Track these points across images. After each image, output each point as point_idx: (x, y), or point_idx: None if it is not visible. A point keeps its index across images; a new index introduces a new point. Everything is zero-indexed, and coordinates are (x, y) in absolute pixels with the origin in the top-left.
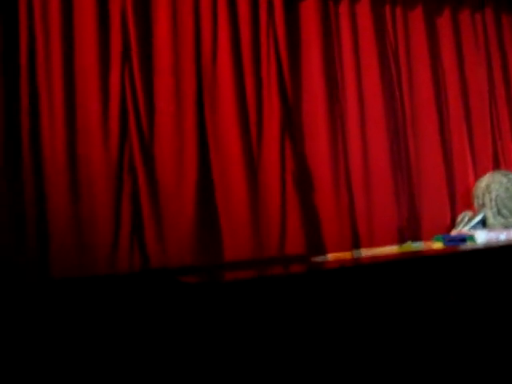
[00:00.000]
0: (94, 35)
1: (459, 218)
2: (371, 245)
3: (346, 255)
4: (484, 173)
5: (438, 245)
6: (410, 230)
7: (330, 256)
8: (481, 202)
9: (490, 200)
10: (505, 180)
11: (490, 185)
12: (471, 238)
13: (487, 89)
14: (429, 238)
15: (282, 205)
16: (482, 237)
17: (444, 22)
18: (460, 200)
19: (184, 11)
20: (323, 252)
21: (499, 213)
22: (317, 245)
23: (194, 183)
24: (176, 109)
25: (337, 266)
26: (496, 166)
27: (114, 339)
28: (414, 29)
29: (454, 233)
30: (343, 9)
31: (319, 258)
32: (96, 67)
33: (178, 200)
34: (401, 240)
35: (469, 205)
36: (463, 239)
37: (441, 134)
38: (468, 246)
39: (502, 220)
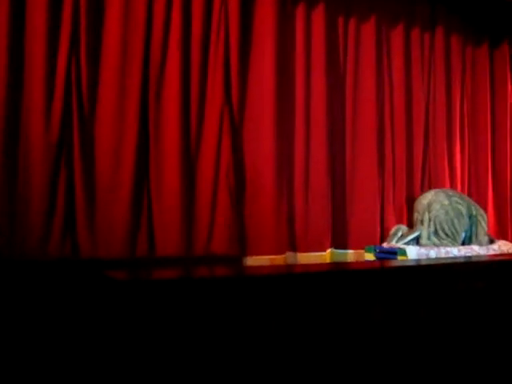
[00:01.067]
0: (45, 19)
1: (392, 231)
2: (305, 249)
3: (278, 258)
4: (418, 188)
5: (369, 255)
6: (342, 237)
7: (259, 258)
8: (420, 217)
9: (429, 219)
10: (446, 202)
11: (432, 204)
12: (403, 252)
13: (426, 106)
14: (360, 247)
15: (213, 203)
16: (413, 253)
17: (396, 37)
18: (393, 213)
19: (137, 2)
20: (257, 253)
21: (435, 233)
22: (251, 246)
23: (130, 175)
24: (119, 100)
25: (265, 273)
26: (429, 181)
27: (27, 329)
28: (365, 41)
29: (385, 245)
30: (299, 12)
31: (251, 261)
32: (43, 52)
33: (113, 191)
34: (333, 246)
35: (401, 219)
36: (394, 252)
37: (379, 145)
38: (398, 261)
39: (436, 241)
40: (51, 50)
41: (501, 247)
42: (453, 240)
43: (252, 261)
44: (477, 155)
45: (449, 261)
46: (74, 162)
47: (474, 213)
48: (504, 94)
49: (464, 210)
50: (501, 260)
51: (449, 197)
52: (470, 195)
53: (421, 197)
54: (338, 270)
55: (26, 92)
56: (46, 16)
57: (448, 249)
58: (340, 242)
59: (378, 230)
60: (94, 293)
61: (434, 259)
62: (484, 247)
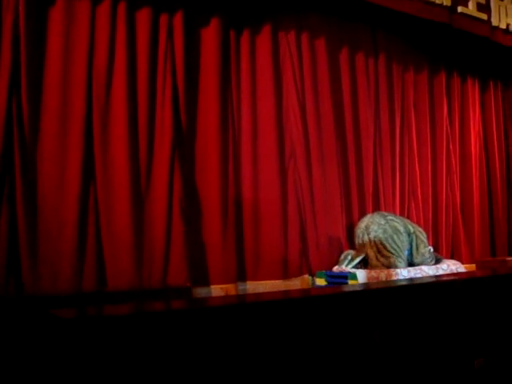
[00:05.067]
0: None
1: (342, 256)
2: (256, 278)
3: (229, 287)
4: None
5: (320, 280)
6: (301, 263)
7: (214, 288)
8: (361, 241)
9: (369, 241)
10: (383, 221)
11: (370, 226)
12: (353, 275)
13: (373, 129)
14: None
15: (167, 232)
16: (362, 275)
17: (343, 59)
18: (349, 237)
19: (79, 29)
20: (207, 283)
21: (379, 253)
22: (201, 275)
23: (76, 207)
24: (62, 130)
25: (215, 305)
26: (377, 204)
27: None
28: (321, 65)
29: (336, 269)
30: (244, 38)
31: (201, 291)
32: None
33: (58, 224)
34: (292, 274)
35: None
36: (345, 276)
37: (342, 167)
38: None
39: (383, 259)
40: None
41: (450, 266)
42: (397, 256)
43: (207, 290)
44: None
45: (398, 283)
46: (15, 196)
47: (412, 230)
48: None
49: (401, 228)
50: (448, 280)
51: (384, 216)
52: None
53: (359, 221)
54: (287, 298)
55: None
56: None
57: (398, 270)
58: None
59: (336, 254)
60: (39, 333)
61: (382, 282)
62: (433, 267)
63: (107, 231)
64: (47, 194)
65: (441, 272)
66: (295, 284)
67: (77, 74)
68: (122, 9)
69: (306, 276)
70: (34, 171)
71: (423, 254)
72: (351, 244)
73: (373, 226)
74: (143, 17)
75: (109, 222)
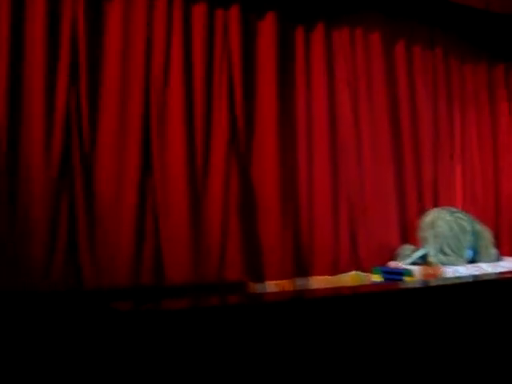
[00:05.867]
0: (43, 53)
1: (399, 252)
2: (310, 273)
3: (285, 283)
4: (428, 207)
5: (376, 277)
6: (351, 259)
7: (272, 284)
8: (424, 235)
9: (434, 236)
10: (450, 218)
11: (436, 221)
12: (408, 272)
13: (432, 124)
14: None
15: (224, 227)
16: (419, 272)
17: (399, 53)
18: (402, 232)
19: (136, 25)
20: (263, 279)
21: (441, 250)
22: (257, 271)
23: (134, 200)
24: (120, 124)
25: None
26: (435, 200)
27: (30, 363)
28: (375, 58)
29: (392, 265)
30: (298, 35)
31: (257, 286)
32: (42, 87)
33: (116, 219)
34: (341, 270)
35: (409, 238)
36: (400, 273)
37: (396, 163)
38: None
39: (443, 258)
40: (50, 85)
41: (510, 263)
42: (458, 256)
43: (263, 286)
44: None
45: (457, 281)
46: (75, 193)
47: (478, 228)
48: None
49: (468, 226)
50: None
51: (452, 213)
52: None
53: (424, 216)
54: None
55: (25, 127)
56: (44, 50)
57: (455, 267)
58: (350, 265)
59: (391, 250)
60: (99, 326)
61: (441, 279)
62: (492, 264)
63: (164, 225)
64: (106, 190)
65: (499, 269)
66: (346, 280)
67: (135, 70)
68: (178, 4)
69: (357, 272)
70: (93, 167)
71: (490, 255)
72: (404, 239)
73: (439, 221)
74: (199, 12)
75: (166, 217)
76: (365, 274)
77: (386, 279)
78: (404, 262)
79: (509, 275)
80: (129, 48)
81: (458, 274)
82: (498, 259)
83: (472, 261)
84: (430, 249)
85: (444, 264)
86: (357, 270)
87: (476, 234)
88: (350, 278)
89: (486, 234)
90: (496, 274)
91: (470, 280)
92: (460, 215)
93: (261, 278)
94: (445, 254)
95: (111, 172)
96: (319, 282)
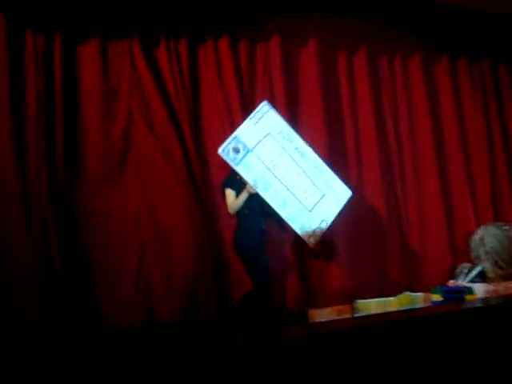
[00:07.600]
0: None
1: (458, 270)
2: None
3: (344, 308)
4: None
5: (436, 296)
6: (408, 279)
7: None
8: (476, 254)
9: (486, 253)
10: (498, 232)
11: (484, 237)
12: (469, 290)
13: (485, 137)
14: (428, 289)
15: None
16: (480, 289)
17: (442, 70)
18: (460, 251)
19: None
20: (322, 305)
21: (496, 264)
22: (317, 297)
23: None
24: None
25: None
26: (495, 215)
27: None
28: (413, 77)
29: (451, 284)
30: (341, 59)
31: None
32: None
33: None
34: (398, 290)
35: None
36: (461, 291)
37: (442, 182)
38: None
39: (500, 271)
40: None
41: None
42: None
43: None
44: None
45: None
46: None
47: None
48: None
49: None
50: None
51: (499, 227)
52: None
53: (472, 235)
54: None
55: None
56: None
57: None
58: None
59: (449, 269)
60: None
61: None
62: None
63: None
64: None
65: None
66: (397, 302)
67: None
68: (224, 43)
69: (408, 293)
70: None
71: None
72: (457, 256)
73: (487, 237)
74: (242, 48)
75: None
76: (416, 294)
77: (446, 298)
78: (463, 281)
79: None
80: None
81: None
82: None
83: None
84: (486, 265)
85: (504, 278)
86: (410, 290)
87: None
88: (400, 300)
89: None
90: None
91: None
92: (507, 227)
93: (320, 304)
94: (501, 267)
95: None
96: (371, 305)
